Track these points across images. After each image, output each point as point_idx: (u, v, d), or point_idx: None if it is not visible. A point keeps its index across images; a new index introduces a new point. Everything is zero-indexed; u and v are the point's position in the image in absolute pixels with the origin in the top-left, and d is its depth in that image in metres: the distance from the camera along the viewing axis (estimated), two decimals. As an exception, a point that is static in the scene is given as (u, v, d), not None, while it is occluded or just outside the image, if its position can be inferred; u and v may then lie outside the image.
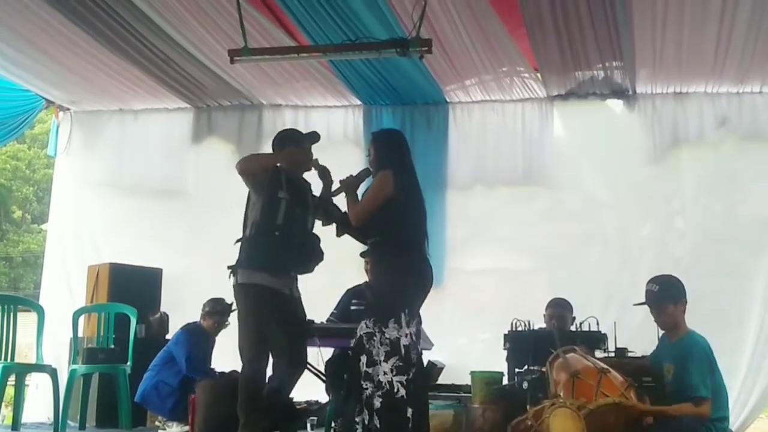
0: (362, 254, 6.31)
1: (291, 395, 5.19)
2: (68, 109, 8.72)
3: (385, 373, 4.38)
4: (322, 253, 4.89)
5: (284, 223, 4.73)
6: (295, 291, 4.85)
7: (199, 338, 6.64)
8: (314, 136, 5.10)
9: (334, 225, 4.99)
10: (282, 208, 4.74)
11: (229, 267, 4.78)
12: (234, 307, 6.29)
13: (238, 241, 4.84)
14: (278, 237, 4.69)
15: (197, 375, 6.33)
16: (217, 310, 6.67)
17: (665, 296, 4.70)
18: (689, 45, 6.46)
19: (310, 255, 4.87)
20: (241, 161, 4.87)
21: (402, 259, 4.61)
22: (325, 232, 5.01)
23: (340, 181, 4.89)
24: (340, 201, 4.96)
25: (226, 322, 6.70)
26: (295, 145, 4.98)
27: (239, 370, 4.83)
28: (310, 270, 4.90)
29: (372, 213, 4.64)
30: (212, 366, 6.66)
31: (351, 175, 4.94)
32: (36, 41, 6.87)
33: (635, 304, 4.94)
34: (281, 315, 4.70)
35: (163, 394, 6.44)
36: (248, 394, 4.61)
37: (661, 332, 4.89)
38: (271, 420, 4.68)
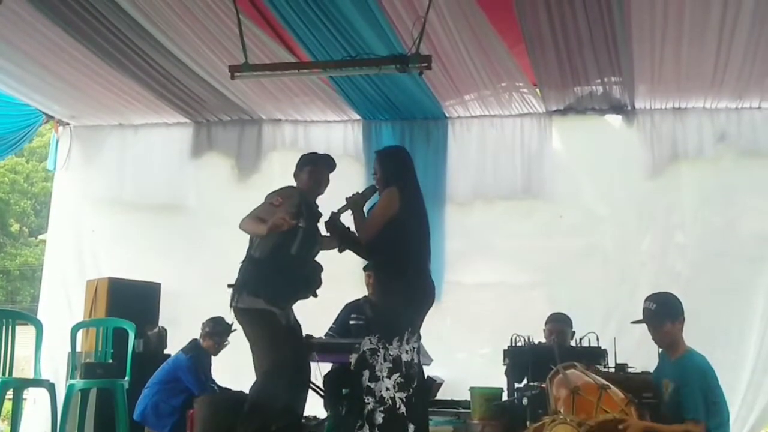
0: (365, 268, 6.35)
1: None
2: (68, 124, 8.72)
3: (387, 389, 4.42)
4: (321, 282, 4.91)
5: (297, 254, 4.77)
6: (292, 318, 4.88)
7: (203, 361, 6.63)
8: (331, 163, 5.17)
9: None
10: (299, 237, 4.76)
11: (230, 285, 4.76)
12: (234, 327, 6.29)
13: (244, 261, 4.86)
14: (288, 268, 4.73)
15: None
16: (217, 331, 6.64)
17: (663, 314, 4.69)
18: (688, 60, 6.48)
19: (312, 285, 4.88)
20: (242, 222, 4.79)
21: (406, 278, 4.64)
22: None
23: (347, 199, 4.91)
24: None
25: (226, 342, 6.68)
26: (312, 165, 5.05)
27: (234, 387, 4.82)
28: (305, 298, 4.91)
29: (379, 230, 4.67)
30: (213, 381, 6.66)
31: (357, 193, 4.97)
32: (36, 56, 6.88)
33: (633, 322, 4.93)
34: (284, 337, 4.72)
35: (162, 414, 6.41)
36: (258, 414, 4.60)
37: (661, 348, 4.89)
38: None
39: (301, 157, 5.31)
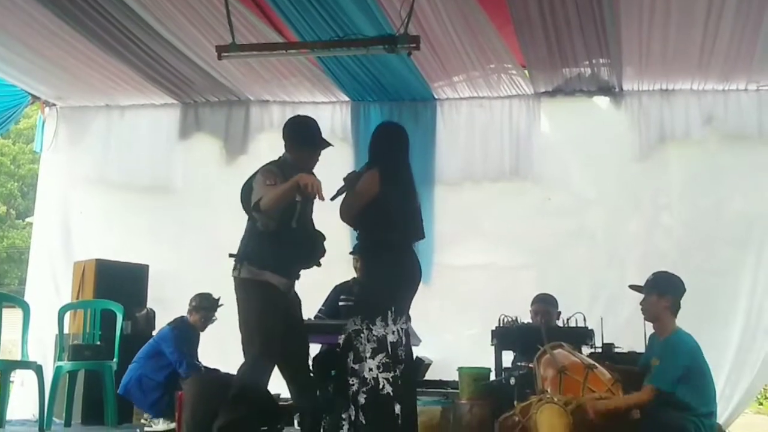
0: (352, 252, 6.35)
1: (275, 392, 5.21)
2: (54, 105, 8.66)
3: (370, 370, 4.40)
4: (325, 250, 4.84)
5: (297, 227, 4.72)
6: (293, 292, 4.82)
7: (188, 334, 6.64)
8: (327, 144, 5.01)
9: None
10: (296, 210, 4.71)
11: (231, 255, 4.70)
12: (221, 302, 6.30)
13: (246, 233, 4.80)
14: (290, 241, 4.67)
15: (187, 370, 6.33)
16: (203, 306, 6.66)
17: (654, 286, 4.83)
18: (675, 42, 6.49)
19: (316, 255, 4.83)
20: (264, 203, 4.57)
21: (389, 258, 4.61)
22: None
23: (344, 179, 4.88)
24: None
25: (213, 318, 6.70)
26: (313, 149, 4.89)
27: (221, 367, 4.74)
28: (311, 267, 4.83)
29: (358, 210, 4.63)
30: (199, 361, 6.67)
31: (354, 172, 4.94)
32: (22, 37, 6.83)
33: (630, 286, 5.04)
34: (282, 313, 4.67)
35: (146, 388, 6.43)
36: (243, 398, 4.54)
37: (649, 331, 4.96)
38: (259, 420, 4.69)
39: (285, 125, 5.04)
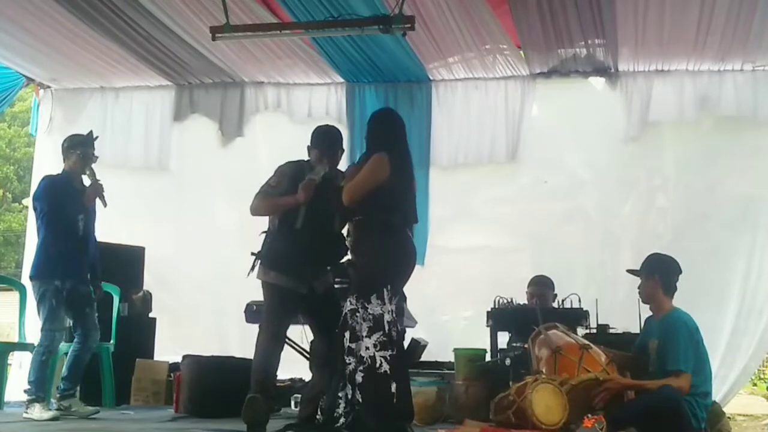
0: (347, 233, 6.34)
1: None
2: (49, 87, 8.63)
3: (367, 348, 4.41)
4: (340, 252, 4.93)
5: (302, 228, 4.72)
6: (319, 287, 4.85)
7: (51, 185, 5.82)
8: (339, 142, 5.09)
9: None
10: (301, 212, 4.72)
11: (253, 254, 4.83)
12: (96, 135, 5.89)
13: (263, 232, 4.89)
14: (296, 242, 4.71)
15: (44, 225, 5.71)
16: (73, 144, 5.84)
17: (644, 268, 4.88)
18: (671, 22, 6.47)
19: (324, 257, 4.89)
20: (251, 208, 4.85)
21: (388, 239, 4.61)
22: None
23: (345, 172, 4.89)
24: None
25: (94, 155, 5.85)
26: (321, 149, 4.91)
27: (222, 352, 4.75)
28: (323, 268, 4.94)
29: (366, 193, 4.61)
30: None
31: (353, 164, 4.96)
32: (16, 18, 6.79)
33: (627, 270, 5.05)
34: (295, 314, 4.87)
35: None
36: (254, 379, 4.67)
37: (644, 312, 4.99)
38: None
39: (314, 131, 5.04)
